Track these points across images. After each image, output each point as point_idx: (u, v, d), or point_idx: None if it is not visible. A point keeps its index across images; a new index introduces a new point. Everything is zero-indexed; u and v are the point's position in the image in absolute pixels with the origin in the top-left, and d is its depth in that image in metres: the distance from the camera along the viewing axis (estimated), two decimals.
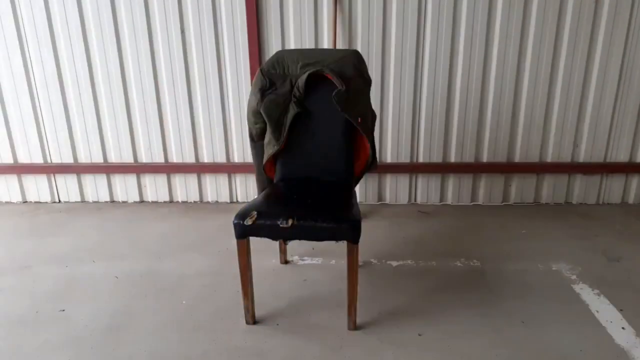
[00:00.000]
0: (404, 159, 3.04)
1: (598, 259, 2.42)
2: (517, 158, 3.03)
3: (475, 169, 3.04)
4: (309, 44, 2.85)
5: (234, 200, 3.21)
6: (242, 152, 3.08)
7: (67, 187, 3.21)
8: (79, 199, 3.23)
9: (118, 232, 2.78)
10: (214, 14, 2.81)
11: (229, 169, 3.11)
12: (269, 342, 1.80)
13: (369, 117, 2.09)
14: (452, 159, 3.04)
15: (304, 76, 2.02)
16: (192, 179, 3.17)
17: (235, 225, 1.76)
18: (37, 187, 3.21)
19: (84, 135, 3.09)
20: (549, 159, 3.03)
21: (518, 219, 2.90)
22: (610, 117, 2.93)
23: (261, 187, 2.23)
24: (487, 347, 1.78)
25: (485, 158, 3.03)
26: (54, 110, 3.04)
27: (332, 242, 1.80)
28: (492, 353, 1.75)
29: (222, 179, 3.16)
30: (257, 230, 1.76)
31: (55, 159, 3.15)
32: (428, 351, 1.75)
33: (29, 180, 3.21)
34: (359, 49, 2.80)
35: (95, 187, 3.20)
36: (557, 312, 1.97)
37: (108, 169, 3.13)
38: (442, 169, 3.05)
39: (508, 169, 3.04)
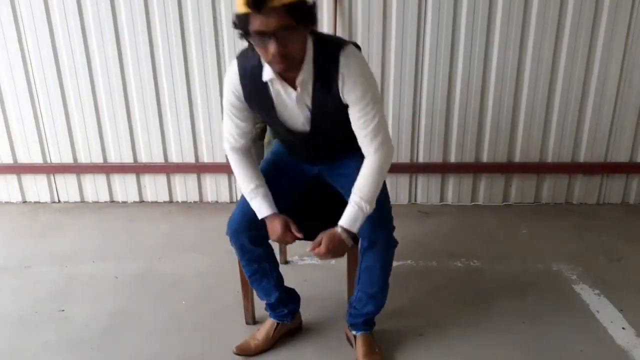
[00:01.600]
0: (404, 159, 3.04)
1: (598, 259, 2.42)
2: (517, 158, 3.03)
3: (475, 169, 3.04)
4: None
5: (234, 200, 3.20)
6: None
7: (67, 187, 3.20)
8: (79, 199, 3.23)
9: (118, 232, 2.78)
10: (214, 14, 2.80)
11: (229, 169, 3.06)
12: None
13: None
14: (452, 159, 3.03)
15: None
16: (192, 179, 3.16)
17: None
18: (37, 187, 3.21)
19: (83, 135, 3.08)
20: (549, 159, 3.02)
21: (518, 219, 2.90)
22: (610, 116, 2.93)
23: None
24: (487, 347, 1.78)
25: (485, 158, 3.03)
26: (54, 110, 3.03)
27: None
28: (492, 353, 1.75)
29: (222, 179, 3.16)
30: None
31: (55, 159, 3.14)
32: (428, 351, 1.75)
33: (29, 180, 3.20)
34: None
35: (95, 187, 3.20)
36: (557, 312, 1.97)
37: (108, 169, 3.13)
38: (442, 169, 3.05)
39: (508, 169, 3.04)
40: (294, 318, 1.84)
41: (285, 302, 1.77)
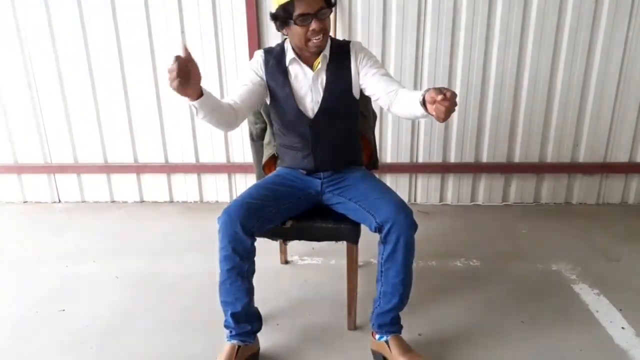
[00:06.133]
0: (404, 159, 3.04)
1: (598, 259, 2.42)
2: (516, 158, 3.03)
3: (475, 169, 3.05)
4: None
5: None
6: (242, 152, 3.08)
7: (68, 187, 3.21)
8: (79, 199, 3.24)
9: (118, 232, 2.78)
10: (214, 14, 2.81)
11: (229, 169, 3.11)
12: (269, 341, 1.80)
13: (370, 117, 2.09)
14: (452, 159, 3.04)
15: None
16: (192, 179, 3.17)
17: None
18: (38, 187, 3.21)
19: (84, 135, 3.08)
20: (549, 159, 3.03)
21: (518, 219, 2.90)
22: (610, 117, 2.93)
23: None
24: (487, 347, 1.78)
25: (485, 158, 3.03)
26: (54, 110, 3.04)
27: (332, 242, 1.81)
28: (491, 353, 1.76)
29: (222, 179, 3.16)
30: None
31: (56, 159, 3.15)
32: (428, 351, 1.75)
33: (29, 180, 3.21)
34: None
35: (96, 187, 3.20)
36: (557, 312, 1.98)
37: (108, 169, 3.13)
38: (442, 169, 3.05)
39: (507, 169, 3.04)
40: (254, 341, 1.70)
41: (251, 317, 1.67)
